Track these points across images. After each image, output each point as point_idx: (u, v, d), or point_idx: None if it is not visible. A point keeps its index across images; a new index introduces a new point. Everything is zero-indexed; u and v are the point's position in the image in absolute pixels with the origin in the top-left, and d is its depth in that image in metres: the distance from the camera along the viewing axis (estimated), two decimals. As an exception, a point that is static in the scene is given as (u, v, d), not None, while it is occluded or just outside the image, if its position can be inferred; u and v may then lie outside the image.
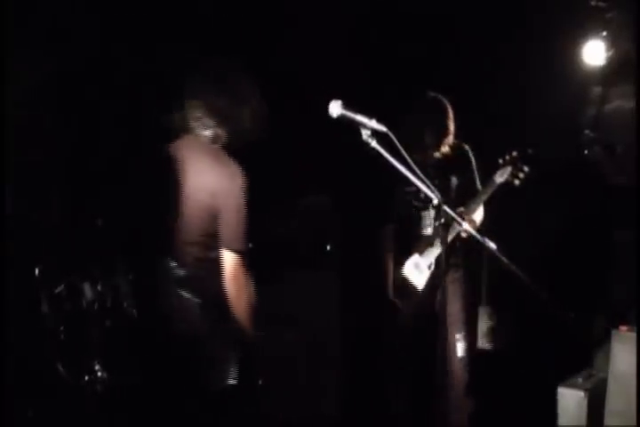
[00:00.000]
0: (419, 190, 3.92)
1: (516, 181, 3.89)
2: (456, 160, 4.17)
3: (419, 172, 2.78)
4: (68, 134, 4.40)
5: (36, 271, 3.85)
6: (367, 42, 5.21)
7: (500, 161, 3.94)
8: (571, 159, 4.97)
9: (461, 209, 3.96)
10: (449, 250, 3.99)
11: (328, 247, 4.93)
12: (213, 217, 3.13)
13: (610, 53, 4.93)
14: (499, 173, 3.92)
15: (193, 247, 3.18)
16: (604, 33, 4.88)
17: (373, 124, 2.79)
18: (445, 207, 2.82)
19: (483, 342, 4.56)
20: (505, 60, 5.09)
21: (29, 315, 3.84)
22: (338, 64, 5.06)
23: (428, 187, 2.80)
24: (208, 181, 3.14)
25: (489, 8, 5.09)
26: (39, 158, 4.21)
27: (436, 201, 2.83)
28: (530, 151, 3.90)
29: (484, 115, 4.36)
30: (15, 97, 3.97)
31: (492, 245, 3.01)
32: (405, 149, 4.06)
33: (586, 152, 5.08)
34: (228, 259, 3.12)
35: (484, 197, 3.96)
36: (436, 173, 4.08)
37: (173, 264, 3.19)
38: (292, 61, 4.94)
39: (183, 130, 3.25)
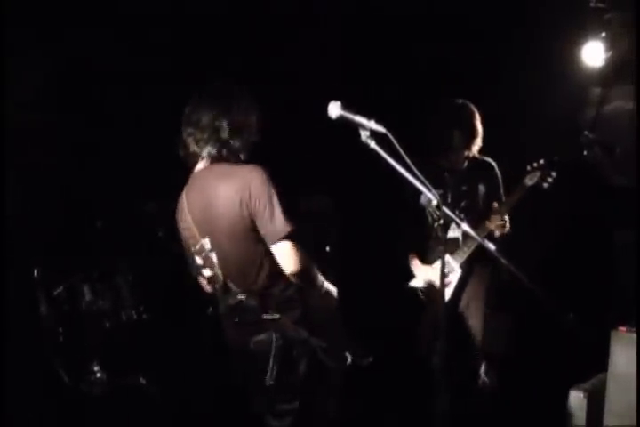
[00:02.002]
0: (445, 193, 4.11)
1: (545, 185, 4.08)
2: (483, 170, 4.30)
3: (417, 172, 2.76)
4: (69, 135, 4.39)
5: (35, 272, 3.84)
6: (365, 43, 5.20)
7: (529, 167, 4.11)
8: (570, 160, 4.95)
9: (495, 206, 4.13)
10: (472, 260, 4.14)
11: (327, 248, 4.92)
12: (254, 224, 3.08)
13: (609, 54, 4.92)
14: (528, 177, 4.11)
15: (248, 272, 3.15)
16: (604, 34, 4.88)
17: (372, 124, 2.79)
18: (444, 208, 2.80)
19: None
20: (504, 61, 5.10)
21: (28, 316, 3.84)
22: (337, 65, 5.07)
23: (427, 188, 2.79)
24: (228, 194, 3.10)
25: (488, 9, 5.08)
26: (38, 159, 4.21)
27: (435, 202, 2.81)
28: (556, 159, 4.10)
29: (483, 115, 4.36)
30: (15, 97, 3.97)
31: (492, 247, 3.04)
32: (435, 150, 4.23)
33: (585, 153, 5.07)
34: (283, 247, 3.05)
35: (516, 198, 4.11)
36: (465, 179, 4.26)
37: (241, 297, 3.15)
38: (292, 62, 4.94)
39: (191, 156, 3.26)
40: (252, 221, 3.07)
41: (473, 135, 4.21)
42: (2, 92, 3.90)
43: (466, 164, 4.30)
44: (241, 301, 3.14)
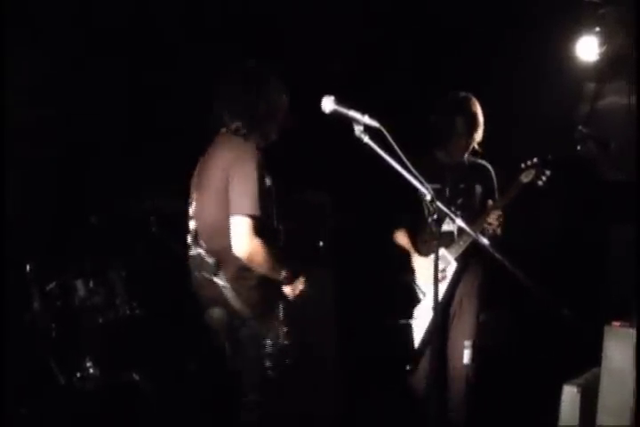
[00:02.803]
0: (442, 189, 4.11)
1: (539, 182, 4.09)
2: (481, 172, 4.35)
3: (411, 167, 2.77)
4: (64, 131, 4.38)
5: (28, 268, 3.83)
6: (361, 39, 5.19)
7: (523, 165, 4.13)
8: (565, 156, 4.96)
9: (490, 203, 4.18)
10: (467, 255, 4.15)
11: (321, 244, 4.91)
12: (227, 194, 3.22)
13: (603, 49, 4.93)
14: (524, 174, 4.11)
15: (219, 234, 3.25)
16: (598, 29, 4.89)
17: (366, 119, 2.79)
18: (438, 203, 2.81)
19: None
20: (498, 57, 5.11)
21: (21, 312, 3.82)
22: (333, 61, 5.09)
23: (420, 182, 2.79)
24: (220, 159, 3.29)
25: (483, 4, 5.08)
26: (31, 155, 4.19)
27: (429, 197, 2.82)
28: (550, 157, 4.12)
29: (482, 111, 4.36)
30: (7, 93, 3.95)
31: (485, 242, 3.06)
32: (437, 139, 4.27)
33: (579, 148, 5.07)
34: (240, 223, 3.16)
35: (511, 195, 4.13)
36: (463, 177, 4.27)
37: (203, 252, 3.29)
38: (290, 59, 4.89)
39: (217, 126, 3.42)
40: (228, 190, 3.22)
41: (475, 124, 4.22)
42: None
43: (466, 160, 4.32)
44: (199, 253, 3.31)
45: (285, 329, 3.34)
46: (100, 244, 4.16)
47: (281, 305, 3.37)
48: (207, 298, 3.34)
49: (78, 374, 3.84)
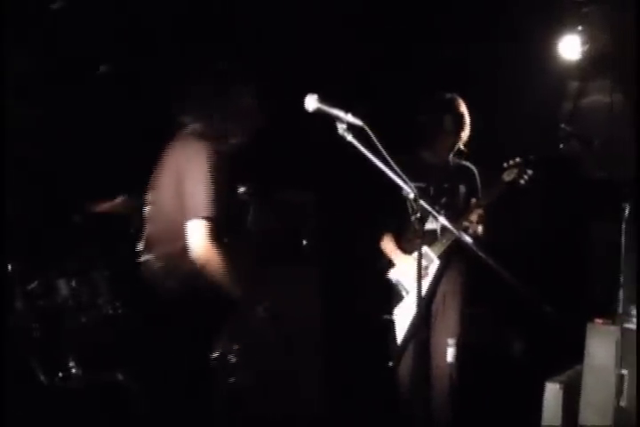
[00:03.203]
0: (427, 187, 4.12)
1: (521, 181, 4.11)
2: (465, 173, 4.37)
3: (394, 165, 2.77)
4: (43, 130, 4.34)
5: (10, 268, 3.79)
6: (345, 38, 5.16)
7: (505, 164, 4.16)
8: (547, 154, 4.97)
9: (473, 201, 4.19)
10: (450, 253, 4.17)
11: (304, 242, 4.90)
12: (181, 196, 3.16)
13: (586, 48, 4.94)
14: (506, 173, 4.14)
15: (172, 237, 3.20)
16: (581, 27, 4.90)
17: (349, 118, 2.79)
18: (422, 202, 2.81)
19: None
20: (482, 56, 5.12)
21: (3, 312, 3.79)
22: (318, 60, 5.04)
23: (404, 181, 2.79)
24: (174, 161, 3.25)
25: (465, 3, 5.10)
26: (12, 154, 4.16)
27: (412, 195, 2.82)
28: (532, 157, 4.13)
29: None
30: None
31: (469, 240, 3.04)
32: (425, 135, 4.28)
33: (562, 146, 5.09)
34: (196, 227, 3.10)
35: (494, 194, 4.16)
36: (447, 177, 4.29)
37: (152, 259, 3.25)
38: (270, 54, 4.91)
39: (177, 126, 3.37)
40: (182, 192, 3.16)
41: (462, 123, 4.25)
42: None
43: (450, 161, 4.33)
44: (148, 260, 3.28)
45: (236, 347, 3.26)
46: (82, 243, 4.13)
47: (235, 321, 3.29)
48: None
49: (60, 374, 3.81)
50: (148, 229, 3.34)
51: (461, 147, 4.32)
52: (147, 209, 3.38)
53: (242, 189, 4.10)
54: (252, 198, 4.23)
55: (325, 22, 5.08)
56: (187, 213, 3.12)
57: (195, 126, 3.30)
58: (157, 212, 3.31)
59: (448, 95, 4.29)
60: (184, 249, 3.14)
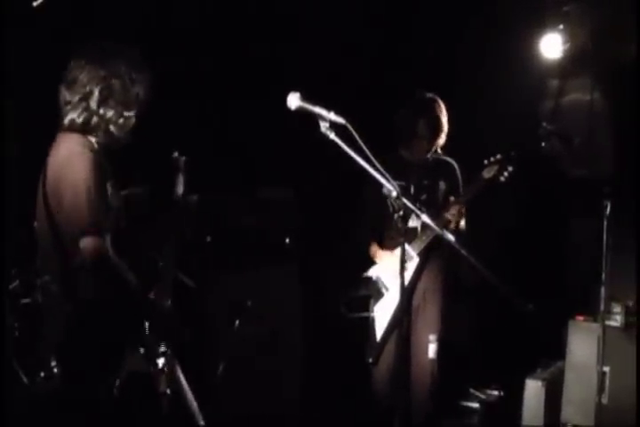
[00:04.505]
0: (407, 185, 4.12)
1: (502, 178, 4.10)
2: (445, 169, 4.34)
3: (377, 163, 2.76)
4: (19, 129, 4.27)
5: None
6: (326, 33, 5.12)
7: (486, 161, 4.13)
8: (528, 152, 4.98)
9: (452, 199, 4.16)
10: (429, 250, 4.17)
11: (287, 240, 4.90)
12: (62, 209, 2.79)
13: (567, 46, 4.95)
14: (486, 170, 4.13)
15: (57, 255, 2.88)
16: (561, 26, 4.91)
17: (332, 116, 2.75)
18: (404, 199, 2.79)
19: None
20: (462, 53, 5.12)
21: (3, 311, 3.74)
22: (298, 56, 5.03)
23: (387, 179, 2.77)
24: (52, 164, 2.84)
25: (447, 1, 5.09)
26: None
27: (394, 193, 2.80)
28: (512, 154, 4.11)
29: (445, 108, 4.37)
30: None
31: (451, 238, 3.02)
32: (400, 139, 4.27)
33: (543, 144, 5.10)
34: (85, 243, 2.70)
35: (473, 191, 4.15)
36: (427, 174, 4.29)
37: (46, 278, 2.97)
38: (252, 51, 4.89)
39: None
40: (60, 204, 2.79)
41: (437, 127, 4.24)
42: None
43: (429, 157, 4.33)
44: (46, 281, 2.97)
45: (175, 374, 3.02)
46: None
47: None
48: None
49: (42, 374, 3.77)
50: (40, 247, 2.97)
51: (439, 150, 4.32)
52: (35, 226, 2.98)
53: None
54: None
55: (307, 20, 5.05)
56: (72, 229, 2.75)
57: (71, 118, 2.85)
58: (41, 226, 2.92)
59: (427, 96, 4.27)
60: (79, 267, 2.81)
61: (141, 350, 2.95)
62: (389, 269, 4.21)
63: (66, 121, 2.85)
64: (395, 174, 2.82)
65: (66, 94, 2.85)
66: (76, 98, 2.83)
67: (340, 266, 4.69)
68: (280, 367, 4.70)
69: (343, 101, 2.98)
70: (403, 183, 4.01)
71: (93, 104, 2.83)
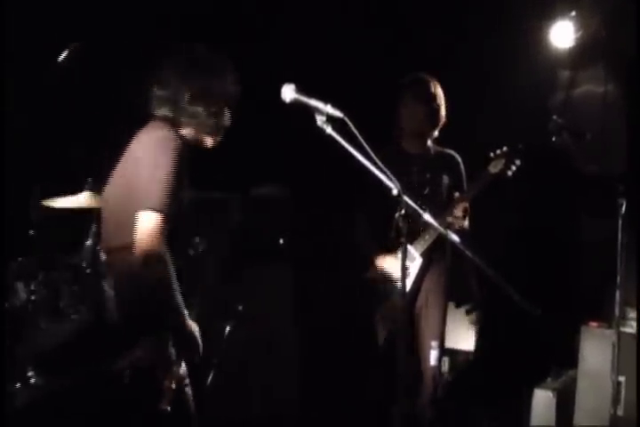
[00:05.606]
0: (409, 180, 4.09)
1: (509, 173, 4.06)
2: (448, 162, 4.31)
3: (376, 159, 2.68)
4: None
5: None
6: (323, 27, 5.10)
7: (492, 155, 4.10)
8: (537, 146, 4.88)
9: (457, 195, 4.12)
10: (432, 251, 4.13)
11: (281, 241, 4.89)
12: (135, 187, 2.89)
13: (579, 35, 4.84)
14: (492, 164, 4.09)
15: (119, 229, 2.94)
16: (573, 13, 4.79)
17: (329, 109, 2.68)
18: (405, 198, 2.69)
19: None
20: (470, 42, 5.04)
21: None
22: (292, 46, 5.01)
23: (387, 176, 2.69)
24: (137, 148, 3.01)
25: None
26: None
27: (395, 191, 2.70)
28: (520, 146, 4.09)
29: (448, 99, 4.30)
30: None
31: (456, 239, 2.97)
32: (401, 130, 4.26)
33: (553, 139, 4.96)
34: (146, 218, 2.79)
35: (479, 187, 4.10)
36: (429, 167, 4.24)
37: (103, 256, 3.05)
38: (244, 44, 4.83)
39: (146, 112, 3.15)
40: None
41: (438, 113, 4.20)
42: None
43: (431, 149, 4.28)
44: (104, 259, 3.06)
45: (182, 370, 2.96)
46: (41, 242, 3.97)
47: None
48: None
49: (18, 385, 3.62)
50: (103, 226, 3.07)
51: (435, 133, 4.26)
52: (101, 205, 3.12)
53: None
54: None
55: (304, 10, 5.02)
56: (139, 203, 2.82)
57: (163, 112, 3.06)
58: (109, 202, 3.05)
59: (423, 78, 4.24)
60: (131, 246, 2.84)
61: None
62: (391, 271, 4.12)
63: (158, 113, 3.06)
64: (396, 167, 2.77)
65: (156, 89, 3.07)
66: (167, 94, 3.05)
67: (335, 266, 4.70)
68: (276, 368, 4.72)
69: (340, 94, 2.92)
70: (404, 178, 3.91)
71: (184, 102, 3.04)
